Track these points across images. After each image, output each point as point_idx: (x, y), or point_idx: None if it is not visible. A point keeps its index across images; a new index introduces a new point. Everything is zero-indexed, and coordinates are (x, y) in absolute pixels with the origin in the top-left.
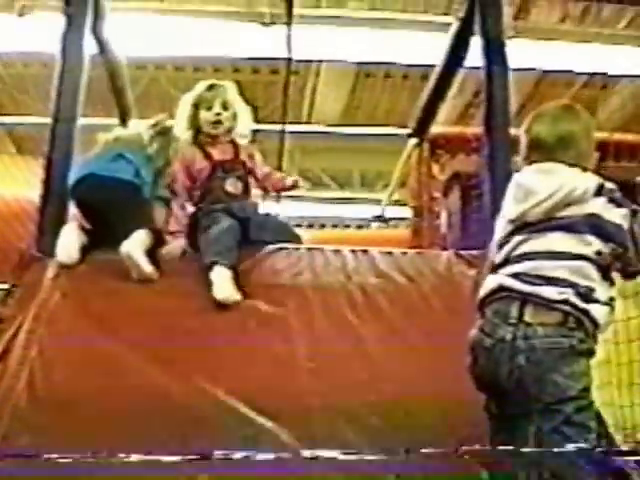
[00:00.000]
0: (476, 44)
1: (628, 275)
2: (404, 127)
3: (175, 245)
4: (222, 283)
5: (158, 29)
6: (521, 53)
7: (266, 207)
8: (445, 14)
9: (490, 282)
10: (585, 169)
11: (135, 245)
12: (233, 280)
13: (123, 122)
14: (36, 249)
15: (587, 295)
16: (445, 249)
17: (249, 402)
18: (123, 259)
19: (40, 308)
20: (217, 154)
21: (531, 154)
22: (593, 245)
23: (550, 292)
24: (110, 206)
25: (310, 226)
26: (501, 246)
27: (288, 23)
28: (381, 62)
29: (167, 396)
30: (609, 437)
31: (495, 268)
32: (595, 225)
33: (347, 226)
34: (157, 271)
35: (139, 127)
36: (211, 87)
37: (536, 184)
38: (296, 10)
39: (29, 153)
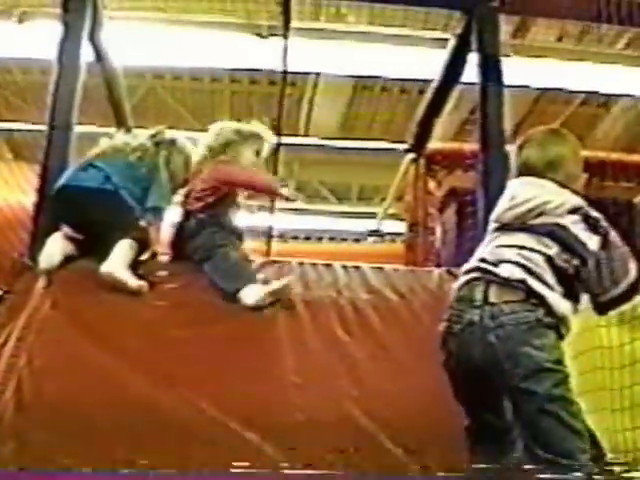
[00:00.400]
0: (473, 60)
1: (598, 307)
2: (401, 141)
3: None
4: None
5: (156, 39)
6: (519, 71)
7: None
8: (444, 30)
9: (461, 279)
10: (574, 191)
11: (115, 264)
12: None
13: (120, 130)
14: (29, 257)
15: (543, 282)
16: (439, 265)
17: (235, 415)
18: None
19: (30, 317)
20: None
21: (522, 174)
22: (551, 248)
23: (508, 271)
24: (82, 216)
25: (307, 239)
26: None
27: (285, 35)
28: (379, 76)
29: (155, 407)
30: (605, 460)
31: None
32: (559, 234)
33: (344, 240)
34: (145, 282)
35: (127, 137)
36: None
37: (518, 191)
38: (294, 23)
39: (27, 160)
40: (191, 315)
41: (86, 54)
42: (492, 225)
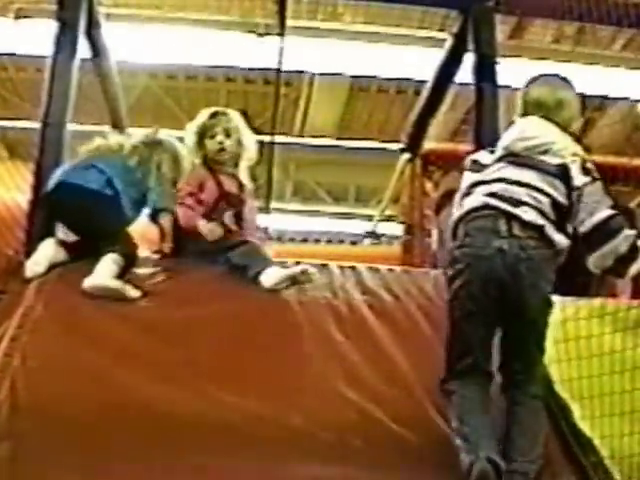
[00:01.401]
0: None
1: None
2: (398, 142)
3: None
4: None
5: (152, 37)
6: (516, 73)
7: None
8: (440, 30)
9: (471, 201)
10: (575, 138)
11: (102, 276)
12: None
13: (115, 129)
14: (24, 256)
15: (554, 228)
16: (436, 267)
17: (226, 415)
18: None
19: (24, 316)
20: (226, 184)
21: (529, 111)
22: (557, 189)
23: (529, 216)
24: (78, 215)
25: (304, 241)
26: (486, 167)
27: (281, 34)
28: (375, 76)
29: (148, 406)
30: (604, 467)
31: (471, 186)
32: (563, 175)
33: (341, 242)
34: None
35: (120, 137)
36: (213, 115)
37: (527, 127)
38: (291, 22)
39: (22, 158)
40: (184, 314)
41: (82, 52)
42: (498, 152)
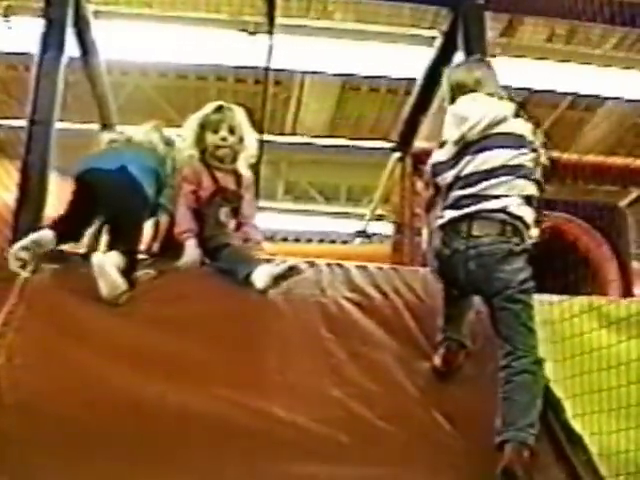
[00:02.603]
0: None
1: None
2: (390, 141)
3: (191, 254)
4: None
5: (143, 36)
6: (507, 71)
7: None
8: (431, 28)
9: (450, 213)
10: (500, 97)
11: (108, 260)
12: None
13: (104, 127)
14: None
15: (521, 203)
16: (425, 266)
17: (212, 411)
18: (94, 270)
19: (9, 314)
20: (222, 180)
21: (455, 95)
22: (527, 155)
23: (492, 204)
24: (111, 191)
25: (296, 240)
26: (452, 167)
27: (270, 32)
28: (366, 75)
29: (135, 405)
30: (593, 465)
31: (449, 187)
32: (519, 142)
33: (333, 241)
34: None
35: (140, 133)
36: (219, 109)
37: (467, 111)
38: (282, 20)
39: (9, 157)
40: (175, 312)
41: (70, 50)
42: (454, 145)
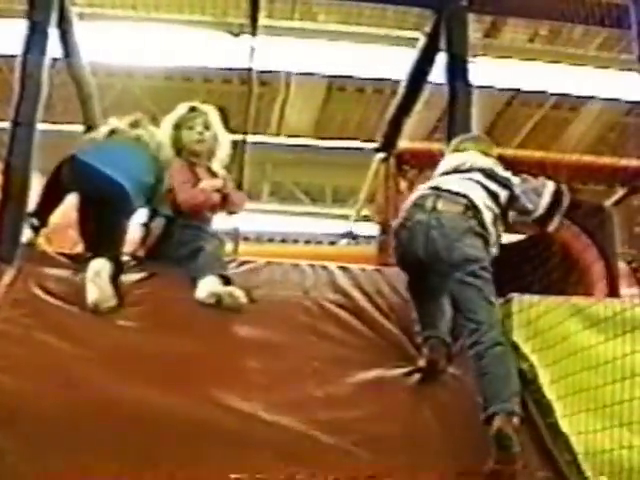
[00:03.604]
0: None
1: (538, 221)
2: (376, 142)
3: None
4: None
5: (128, 37)
6: (492, 72)
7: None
8: (415, 29)
9: (416, 194)
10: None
11: (106, 267)
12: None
13: (89, 129)
14: None
15: (479, 198)
16: None
17: (194, 412)
18: (88, 274)
19: None
20: (202, 176)
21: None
22: (485, 181)
23: (455, 187)
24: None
25: (283, 241)
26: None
27: (253, 34)
28: (351, 76)
29: (117, 403)
30: (578, 464)
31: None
32: (488, 173)
33: (319, 242)
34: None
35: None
36: (193, 109)
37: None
38: (266, 21)
39: None
40: (156, 314)
41: (54, 52)
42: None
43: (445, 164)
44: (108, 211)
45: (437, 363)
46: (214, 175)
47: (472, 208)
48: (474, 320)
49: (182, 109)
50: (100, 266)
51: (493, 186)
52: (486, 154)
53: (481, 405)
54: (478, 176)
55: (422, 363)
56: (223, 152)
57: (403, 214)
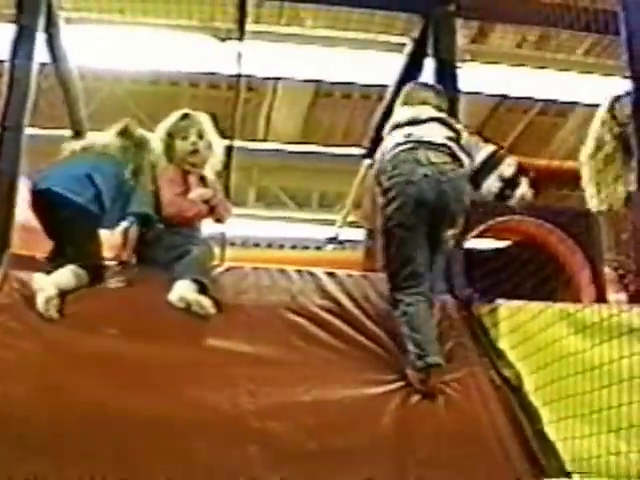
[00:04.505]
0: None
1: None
2: (362, 147)
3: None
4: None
5: (116, 42)
6: (478, 78)
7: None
8: (403, 35)
9: (392, 139)
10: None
11: (48, 282)
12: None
13: (76, 134)
14: None
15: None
16: None
17: (179, 416)
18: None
19: None
20: (193, 184)
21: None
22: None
23: (440, 140)
24: (57, 224)
25: (269, 246)
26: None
27: (240, 39)
28: (338, 82)
29: (103, 412)
30: (565, 470)
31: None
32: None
33: (305, 247)
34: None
35: (105, 138)
36: (185, 116)
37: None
38: (253, 26)
39: None
40: (141, 319)
41: (41, 56)
42: (390, 128)
43: (401, 115)
44: (68, 229)
45: (434, 387)
46: (205, 183)
47: (455, 158)
48: (435, 262)
49: (175, 116)
50: (42, 281)
51: (450, 133)
52: (440, 110)
53: (417, 353)
54: (435, 126)
55: (414, 382)
56: (216, 159)
57: (399, 169)
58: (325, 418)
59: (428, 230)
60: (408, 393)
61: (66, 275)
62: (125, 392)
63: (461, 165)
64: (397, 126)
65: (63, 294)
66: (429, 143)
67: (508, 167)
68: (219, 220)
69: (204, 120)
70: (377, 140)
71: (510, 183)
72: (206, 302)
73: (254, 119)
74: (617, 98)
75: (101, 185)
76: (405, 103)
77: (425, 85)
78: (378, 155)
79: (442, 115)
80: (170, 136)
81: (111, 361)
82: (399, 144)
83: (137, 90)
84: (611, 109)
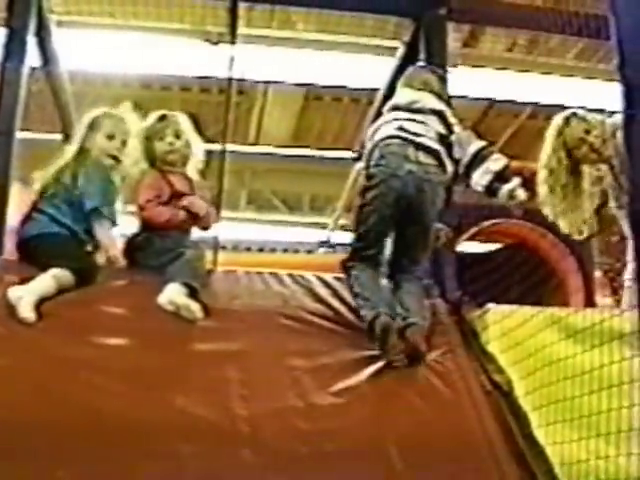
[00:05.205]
0: None
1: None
2: (353, 151)
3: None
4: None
5: (106, 46)
6: (469, 81)
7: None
8: (394, 38)
9: (384, 131)
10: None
11: (26, 291)
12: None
13: (67, 138)
14: None
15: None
16: None
17: (171, 421)
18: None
19: None
20: (177, 184)
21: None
22: (439, 126)
23: (431, 144)
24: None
25: (260, 250)
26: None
27: (232, 42)
28: (330, 85)
29: (95, 417)
30: (554, 475)
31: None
32: (439, 115)
33: (297, 251)
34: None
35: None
36: (162, 118)
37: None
38: (244, 30)
39: None
40: (131, 323)
41: (32, 59)
42: (389, 109)
43: (399, 97)
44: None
45: (418, 349)
46: (189, 181)
47: (442, 164)
48: (410, 259)
49: (152, 119)
50: (17, 293)
51: (444, 131)
52: (440, 97)
53: (402, 314)
54: (431, 119)
55: (401, 354)
56: (196, 158)
57: (385, 161)
58: (318, 423)
59: (398, 224)
60: (402, 396)
61: (45, 280)
62: (116, 397)
63: (444, 172)
64: (396, 108)
65: (44, 299)
66: (421, 145)
67: (496, 161)
68: (204, 227)
69: (182, 120)
70: None
71: (499, 177)
72: (194, 306)
73: (245, 123)
74: (567, 119)
75: (55, 211)
76: (406, 85)
77: (428, 68)
78: (370, 131)
79: (441, 107)
80: (148, 139)
81: (101, 366)
82: (392, 137)
83: (128, 94)
84: (560, 134)
